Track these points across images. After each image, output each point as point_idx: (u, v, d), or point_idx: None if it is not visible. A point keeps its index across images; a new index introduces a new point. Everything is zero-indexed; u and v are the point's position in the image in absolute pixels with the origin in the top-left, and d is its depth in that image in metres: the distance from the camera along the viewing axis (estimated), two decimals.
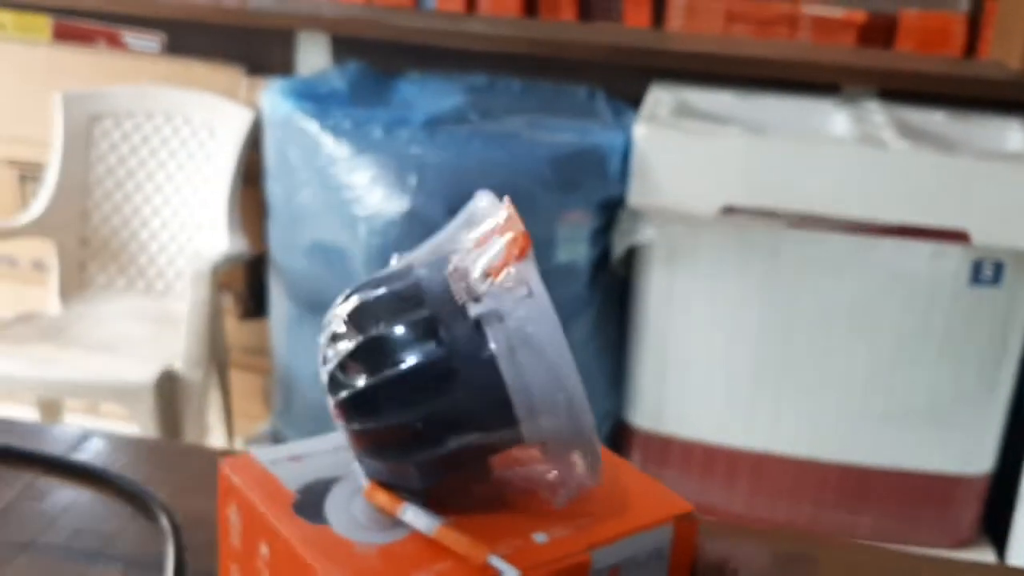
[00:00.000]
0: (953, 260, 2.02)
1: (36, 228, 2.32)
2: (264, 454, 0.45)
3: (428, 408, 0.38)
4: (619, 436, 2.29)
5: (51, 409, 2.40)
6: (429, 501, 0.39)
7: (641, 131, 2.06)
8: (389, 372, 0.38)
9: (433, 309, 0.39)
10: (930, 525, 2.19)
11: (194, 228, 2.38)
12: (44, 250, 2.44)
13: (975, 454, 2.16)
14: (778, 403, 2.15)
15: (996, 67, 2.44)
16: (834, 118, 2.26)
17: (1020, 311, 2.07)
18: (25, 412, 2.43)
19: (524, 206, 1.78)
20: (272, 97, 2.28)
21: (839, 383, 2.12)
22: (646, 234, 2.10)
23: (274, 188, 2.29)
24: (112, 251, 2.40)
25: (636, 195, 2.07)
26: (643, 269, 2.16)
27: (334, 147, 2.13)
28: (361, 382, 0.39)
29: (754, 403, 2.16)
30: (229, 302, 2.55)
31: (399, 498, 0.39)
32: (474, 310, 0.38)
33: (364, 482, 0.41)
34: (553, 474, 0.39)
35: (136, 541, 0.54)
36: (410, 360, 0.38)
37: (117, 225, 2.40)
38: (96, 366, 2.06)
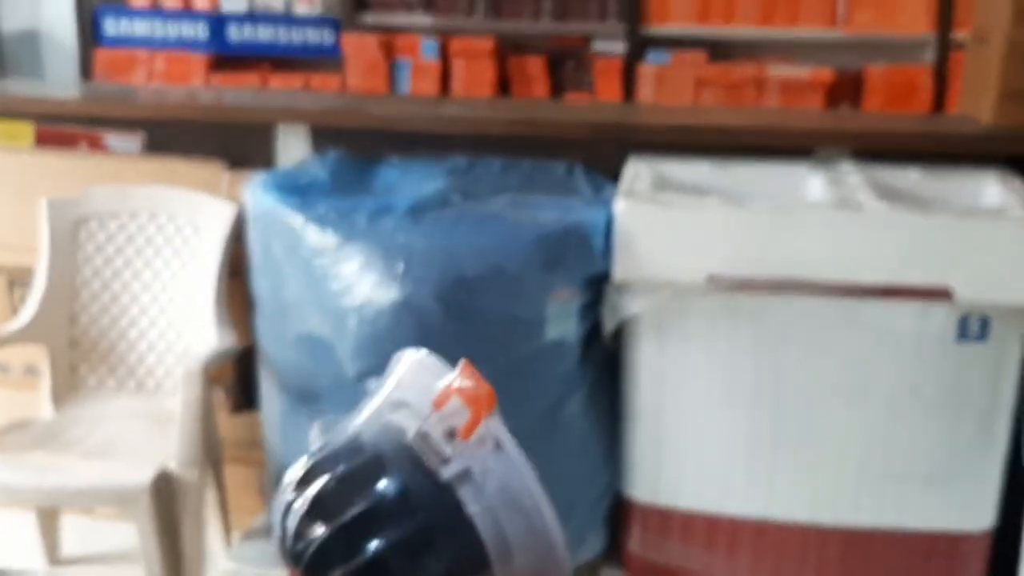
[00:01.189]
0: (939, 318, 2.04)
1: (27, 334, 2.31)
2: None
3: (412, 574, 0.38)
4: (618, 510, 2.28)
5: (49, 513, 2.38)
6: None
7: (622, 207, 2.09)
8: (366, 557, 0.38)
9: (400, 480, 0.39)
10: None
11: (182, 324, 2.38)
12: (35, 355, 2.43)
13: (975, 510, 2.16)
14: (775, 469, 2.15)
15: (966, 122, 2.49)
16: (809, 182, 2.29)
17: (1009, 365, 2.09)
18: (23, 518, 2.41)
19: (512, 287, 1.79)
20: (254, 191, 2.29)
21: (835, 446, 2.13)
22: (634, 308, 2.11)
23: (260, 281, 2.30)
24: (101, 352, 2.40)
25: (621, 269, 2.09)
26: (633, 342, 2.17)
27: (319, 238, 2.14)
28: (340, 568, 0.39)
29: (751, 470, 2.16)
30: (220, 396, 2.54)
31: None
32: (446, 473, 0.39)
33: None
34: None
35: None
36: (387, 538, 0.39)
37: (106, 326, 2.40)
38: (91, 471, 2.05)
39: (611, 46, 3.89)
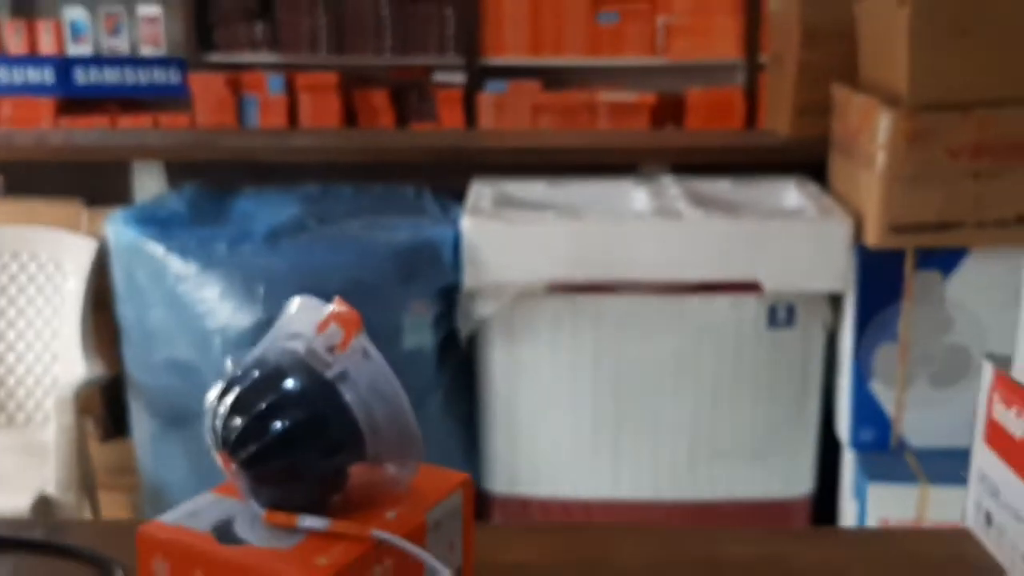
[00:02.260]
0: (751, 308, 2.30)
1: None
2: (167, 517, 0.59)
3: (306, 448, 0.55)
4: (479, 504, 2.46)
5: None
6: (312, 512, 0.56)
7: (468, 223, 2.28)
8: (276, 432, 0.55)
9: (297, 381, 0.56)
10: None
11: (50, 358, 2.45)
12: None
13: (796, 479, 2.43)
14: (620, 453, 2.37)
15: (769, 136, 2.79)
16: (635, 195, 2.53)
17: (815, 347, 2.37)
18: None
19: (369, 302, 1.96)
20: (115, 226, 2.39)
21: (670, 428, 2.36)
22: (484, 313, 2.30)
23: (125, 311, 2.40)
24: None
25: (470, 280, 2.28)
26: (485, 345, 2.36)
27: (181, 266, 2.26)
28: (256, 444, 0.55)
29: (598, 455, 2.37)
30: (89, 426, 2.61)
31: (293, 514, 0.56)
32: (329, 374, 0.56)
33: (260, 511, 0.57)
34: (392, 474, 0.58)
35: None
36: (289, 420, 0.55)
37: None
38: None
39: (451, 77, 4.10)
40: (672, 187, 2.52)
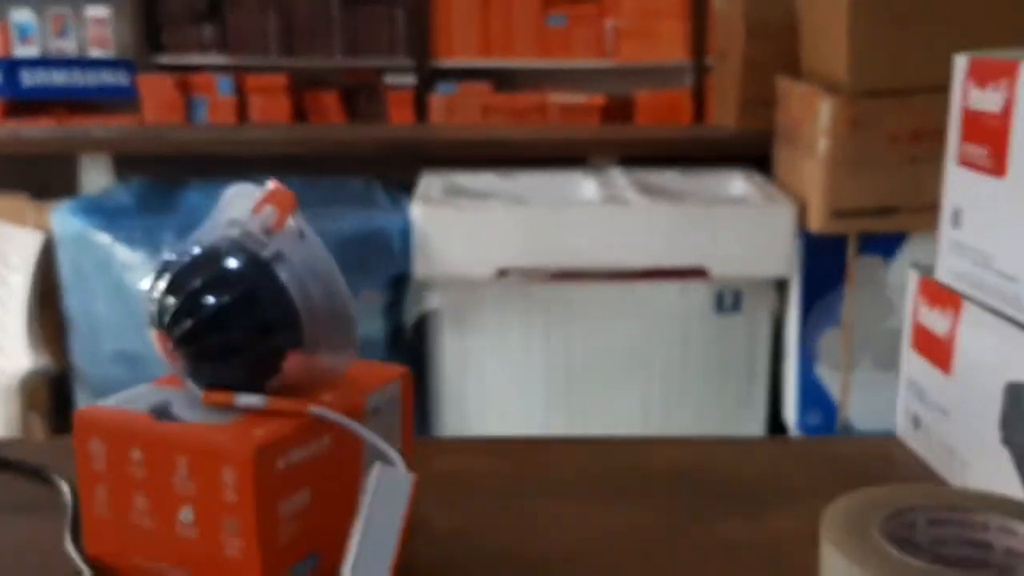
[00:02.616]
0: (699, 294, 2.33)
1: None
2: (105, 402, 0.59)
3: (241, 324, 0.55)
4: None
5: None
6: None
7: (417, 211, 2.29)
8: (210, 308, 0.55)
9: (231, 260, 0.56)
10: None
11: None
12: None
13: None
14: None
15: (716, 129, 2.83)
16: (583, 186, 2.56)
17: (761, 331, 2.40)
18: None
19: None
20: (61, 217, 2.37)
21: (622, 413, 2.38)
22: (433, 302, 2.31)
23: (71, 303, 2.37)
24: None
25: (420, 268, 2.29)
26: (435, 335, 2.37)
27: (128, 256, 2.25)
28: (191, 320, 0.55)
29: None
30: (37, 421, 2.57)
31: (230, 393, 0.56)
32: (264, 253, 0.57)
33: (199, 393, 0.57)
34: (329, 360, 0.59)
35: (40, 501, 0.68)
36: (224, 295, 0.55)
37: None
38: None
39: (402, 79, 4.12)
40: (620, 178, 2.55)
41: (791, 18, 2.58)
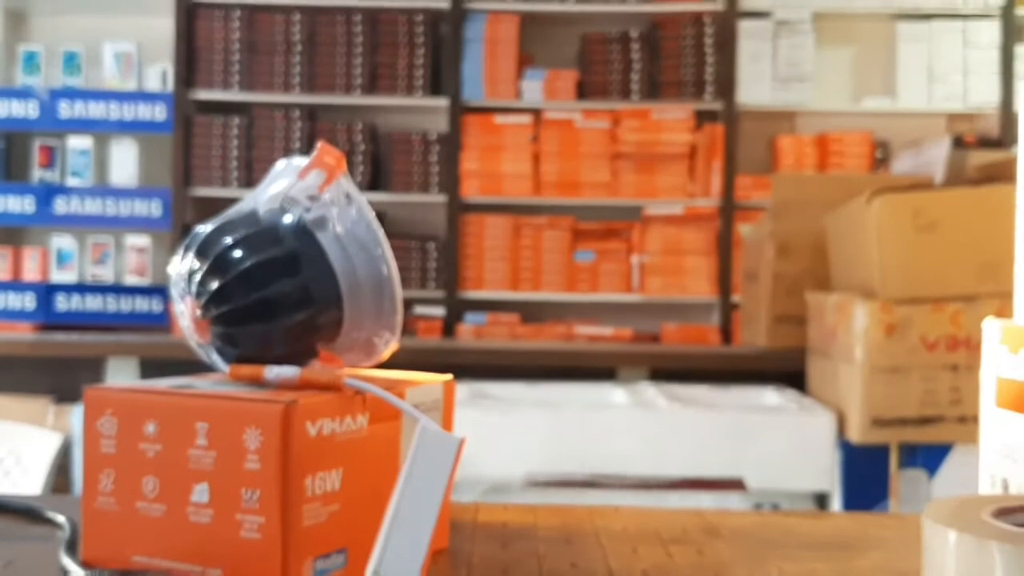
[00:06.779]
0: (734, 506, 2.23)
1: None
2: (116, 385, 0.54)
3: (274, 288, 0.51)
4: None
5: None
6: None
7: None
8: (243, 267, 0.51)
9: (268, 223, 0.52)
10: None
11: None
12: None
13: None
14: None
15: (746, 348, 2.80)
16: (612, 396, 2.51)
17: None
18: None
19: None
20: (79, 417, 2.33)
21: None
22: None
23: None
24: None
25: None
26: None
27: None
28: (219, 279, 0.51)
29: None
30: None
31: (259, 366, 0.50)
32: (306, 218, 0.53)
33: (225, 368, 0.52)
34: (369, 338, 0.54)
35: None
36: (258, 256, 0.51)
37: None
38: None
39: (432, 310, 4.16)
40: (650, 389, 2.50)
41: (817, 237, 2.61)
